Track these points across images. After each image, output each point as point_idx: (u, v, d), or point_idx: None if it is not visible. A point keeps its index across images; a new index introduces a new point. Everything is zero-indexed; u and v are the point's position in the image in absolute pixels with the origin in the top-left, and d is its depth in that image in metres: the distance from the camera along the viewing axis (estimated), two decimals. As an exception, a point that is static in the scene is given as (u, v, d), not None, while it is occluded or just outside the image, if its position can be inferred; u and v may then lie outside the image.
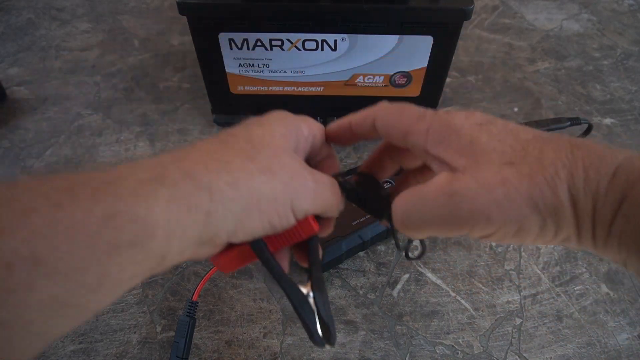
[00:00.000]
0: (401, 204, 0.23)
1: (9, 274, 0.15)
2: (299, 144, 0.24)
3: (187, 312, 0.35)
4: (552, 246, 0.39)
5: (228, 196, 0.20)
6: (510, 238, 0.21)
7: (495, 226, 0.20)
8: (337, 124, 0.27)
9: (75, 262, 0.16)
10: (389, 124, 0.24)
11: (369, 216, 0.39)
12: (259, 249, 0.23)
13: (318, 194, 0.23)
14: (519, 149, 0.20)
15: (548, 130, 0.43)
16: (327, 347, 0.24)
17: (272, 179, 0.21)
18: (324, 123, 0.38)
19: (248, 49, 0.42)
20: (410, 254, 0.28)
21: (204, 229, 0.20)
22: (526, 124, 0.43)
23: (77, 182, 0.17)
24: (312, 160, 0.27)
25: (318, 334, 0.23)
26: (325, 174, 0.25)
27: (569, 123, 0.43)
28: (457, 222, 0.21)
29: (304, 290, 0.24)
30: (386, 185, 0.40)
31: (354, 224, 0.39)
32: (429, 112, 0.23)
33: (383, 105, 0.25)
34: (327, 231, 0.27)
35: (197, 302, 0.36)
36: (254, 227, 0.21)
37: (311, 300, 0.24)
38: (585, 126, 0.45)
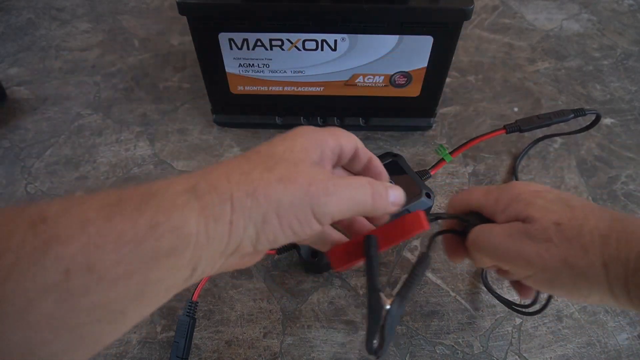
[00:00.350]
0: (478, 229, 0.28)
1: (66, 278, 0.16)
2: (324, 155, 0.25)
3: (187, 312, 0.35)
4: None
5: (247, 205, 0.21)
6: (547, 287, 0.26)
7: (532, 270, 0.25)
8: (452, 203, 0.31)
9: (122, 270, 0.18)
10: (471, 205, 0.30)
11: None
12: (368, 244, 0.26)
13: (343, 198, 0.23)
14: (567, 213, 0.25)
15: (551, 123, 0.43)
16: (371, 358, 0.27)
17: (290, 186, 0.22)
18: (324, 123, 0.38)
19: (248, 49, 0.42)
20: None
21: (229, 239, 0.21)
22: (528, 119, 0.43)
23: (123, 197, 0.19)
24: (353, 169, 0.28)
25: (372, 343, 0.25)
26: (364, 177, 0.26)
27: (573, 115, 0.42)
28: (507, 256, 0.26)
29: (385, 301, 0.26)
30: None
31: None
32: (492, 187, 0.29)
33: (464, 194, 0.30)
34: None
35: (197, 302, 0.36)
36: (275, 234, 0.22)
37: (384, 312, 0.25)
38: (591, 117, 0.44)
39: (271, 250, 0.39)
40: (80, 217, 0.17)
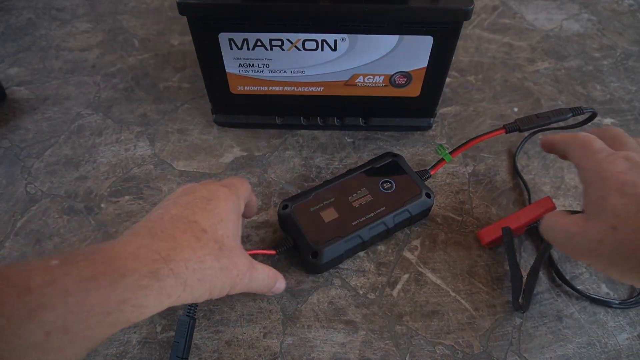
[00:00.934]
0: (548, 217, 0.33)
1: (46, 339, 0.20)
2: (241, 226, 0.34)
3: (187, 312, 0.35)
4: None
5: (195, 287, 0.27)
6: (603, 270, 0.29)
7: (586, 262, 0.30)
8: (548, 139, 0.36)
9: (90, 333, 0.22)
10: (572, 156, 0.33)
11: (368, 216, 0.39)
12: (505, 233, 0.40)
13: (250, 289, 0.33)
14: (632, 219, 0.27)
15: (550, 122, 0.42)
16: (517, 314, 0.37)
17: (227, 275, 0.30)
18: (324, 123, 0.40)
19: (248, 49, 0.42)
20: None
21: (167, 305, 0.26)
22: (527, 118, 0.43)
23: (98, 272, 0.23)
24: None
25: (518, 301, 0.37)
26: (266, 267, 0.34)
27: (571, 114, 0.42)
28: (561, 245, 0.31)
29: (523, 272, 0.38)
30: (387, 185, 0.41)
31: (353, 224, 0.39)
32: (603, 153, 0.31)
33: (575, 139, 0.33)
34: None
35: (197, 303, 0.36)
36: (197, 302, 0.29)
37: (524, 280, 0.38)
38: (587, 115, 0.43)
39: (272, 250, 0.39)
40: (61, 288, 0.21)
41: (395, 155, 0.44)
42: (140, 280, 0.24)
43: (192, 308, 0.35)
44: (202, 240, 0.29)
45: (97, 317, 0.22)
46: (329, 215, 0.40)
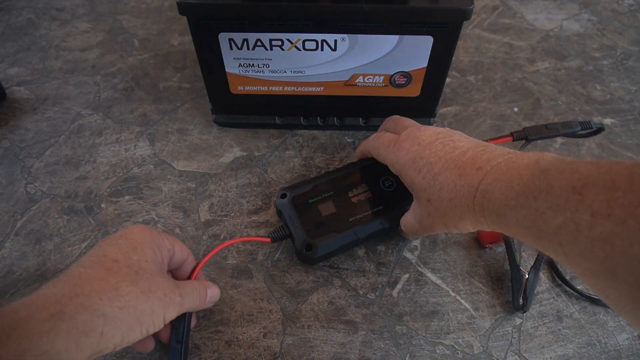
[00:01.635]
0: (402, 221, 0.38)
1: None
2: (164, 258, 0.31)
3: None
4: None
5: (119, 318, 0.26)
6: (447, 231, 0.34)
7: (438, 232, 0.35)
8: (357, 152, 0.43)
9: None
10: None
11: (366, 214, 0.39)
12: (508, 241, 0.39)
13: (184, 305, 0.31)
14: (435, 187, 0.32)
15: (558, 135, 0.42)
16: (518, 314, 0.38)
17: (151, 298, 0.28)
18: (324, 123, 0.40)
19: (248, 49, 0.42)
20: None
21: (97, 346, 0.25)
22: (536, 127, 0.42)
23: None
24: (176, 264, 0.34)
25: (519, 301, 0.37)
26: (191, 280, 0.33)
27: (580, 128, 0.42)
28: (418, 233, 0.38)
29: (524, 272, 0.38)
30: (388, 183, 0.41)
31: (350, 220, 0.39)
32: (391, 145, 0.37)
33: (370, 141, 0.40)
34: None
35: None
36: (135, 337, 0.27)
37: (524, 280, 0.37)
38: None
39: (267, 238, 0.39)
40: None
41: None
42: (40, 326, 0.23)
43: None
44: (113, 270, 0.27)
45: None
46: (327, 209, 0.40)
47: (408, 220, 0.37)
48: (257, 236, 0.41)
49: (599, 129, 0.43)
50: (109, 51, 0.61)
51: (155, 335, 0.34)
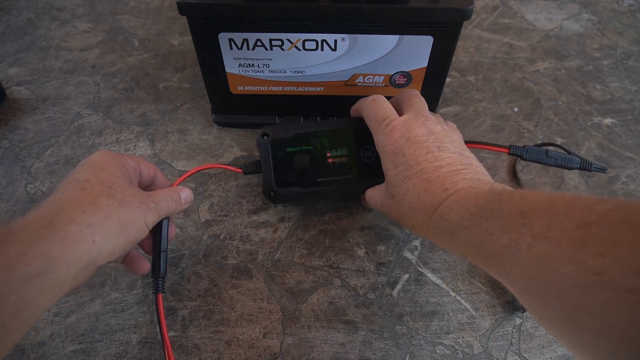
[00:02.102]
0: (369, 191, 0.39)
1: None
2: (131, 174, 0.33)
3: None
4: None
5: (105, 226, 0.27)
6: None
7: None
8: (352, 108, 0.42)
9: (0, 291, 0.22)
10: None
11: (335, 178, 0.40)
12: None
13: (161, 210, 0.33)
14: (402, 189, 0.33)
15: (554, 165, 0.41)
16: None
17: (129, 207, 0.29)
18: (329, 119, 0.40)
19: (248, 49, 0.42)
20: None
21: (92, 254, 0.27)
22: (536, 150, 0.41)
23: None
24: (146, 181, 0.36)
25: (519, 301, 0.29)
26: (162, 189, 0.34)
27: (578, 166, 0.41)
28: (380, 211, 0.38)
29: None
30: (369, 154, 0.41)
31: (319, 180, 0.40)
32: (384, 124, 0.36)
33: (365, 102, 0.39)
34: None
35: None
36: (126, 244, 0.29)
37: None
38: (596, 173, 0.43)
39: (239, 168, 0.41)
40: None
41: None
42: (35, 234, 0.24)
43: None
44: (87, 189, 0.29)
45: (1, 273, 0.22)
46: (301, 162, 0.40)
47: (373, 195, 0.38)
48: (232, 166, 0.42)
49: (602, 169, 0.42)
50: (109, 51, 0.61)
51: (140, 248, 0.36)
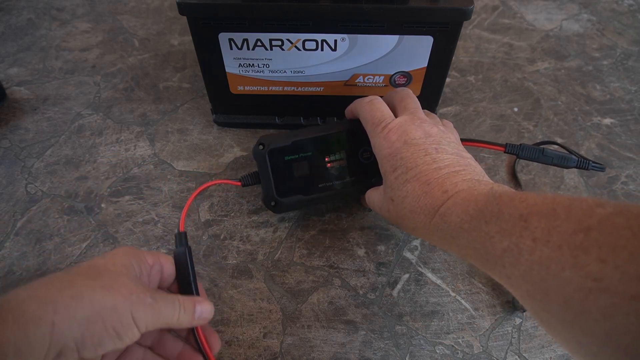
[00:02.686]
0: (369, 192, 0.38)
1: None
2: (143, 273, 0.28)
3: (180, 243, 0.33)
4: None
5: (71, 306, 0.22)
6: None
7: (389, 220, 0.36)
8: (347, 109, 0.41)
9: None
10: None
11: (336, 183, 0.40)
12: None
13: (157, 309, 0.26)
14: (401, 192, 0.33)
15: (551, 164, 0.41)
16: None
17: (113, 292, 0.24)
18: (324, 123, 0.39)
19: (248, 49, 0.42)
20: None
21: (51, 340, 0.21)
22: (532, 149, 0.40)
23: None
24: (168, 280, 0.31)
25: (519, 301, 0.28)
26: (175, 294, 0.29)
27: (575, 165, 0.41)
28: (378, 213, 0.37)
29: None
30: (367, 155, 0.40)
31: (320, 186, 0.40)
32: (381, 126, 0.35)
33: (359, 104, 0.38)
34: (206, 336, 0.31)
35: (186, 232, 0.34)
36: (100, 336, 0.23)
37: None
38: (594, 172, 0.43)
39: (237, 181, 0.41)
40: None
41: None
42: None
43: (183, 237, 0.33)
44: (71, 270, 0.25)
45: None
46: (301, 169, 0.40)
47: (373, 196, 0.37)
48: (231, 180, 0.42)
49: (600, 168, 0.41)
50: (109, 51, 0.61)
51: None
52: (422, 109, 0.36)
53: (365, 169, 0.40)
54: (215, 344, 0.31)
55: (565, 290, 0.20)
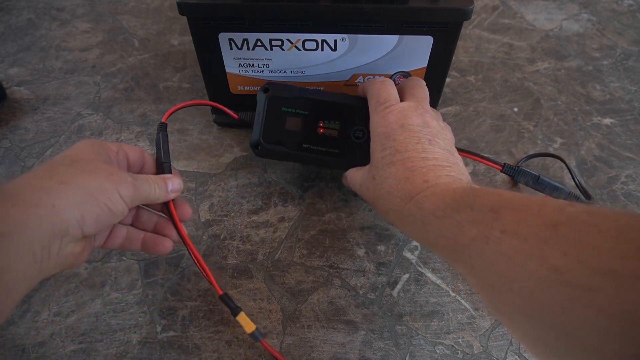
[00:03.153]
0: (350, 172, 0.39)
1: None
2: (110, 158, 0.31)
3: (160, 129, 0.38)
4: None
5: (63, 190, 0.25)
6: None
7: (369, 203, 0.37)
8: (359, 87, 0.41)
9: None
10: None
11: (320, 149, 0.41)
12: None
13: (137, 186, 0.30)
14: (384, 173, 0.33)
15: (543, 191, 0.43)
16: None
17: (95, 175, 0.27)
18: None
19: (248, 49, 0.42)
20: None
21: (54, 220, 0.24)
22: (529, 175, 0.43)
23: None
24: (135, 166, 0.35)
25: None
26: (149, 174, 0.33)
27: (565, 197, 0.43)
28: (358, 192, 0.38)
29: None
30: (359, 134, 0.41)
31: (304, 146, 0.41)
32: (384, 105, 0.35)
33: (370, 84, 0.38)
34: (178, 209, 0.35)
35: (167, 123, 0.39)
36: (97, 211, 0.27)
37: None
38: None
39: (235, 114, 0.43)
40: None
41: None
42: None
43: (162, 127, 0.38)
44: (47, 164, 0.27)
45: None
46: (293, 124, 0.41)
47: (355, 175, 0.38)
48: (229, 110, 0.43)
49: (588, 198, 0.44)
50: (109, 51, 0.61)
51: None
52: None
53: (353, 147, 0.40)
54: (186, 213, 0.36)
55: (527, 282, 0.20)
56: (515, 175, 0.42)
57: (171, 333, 0.36)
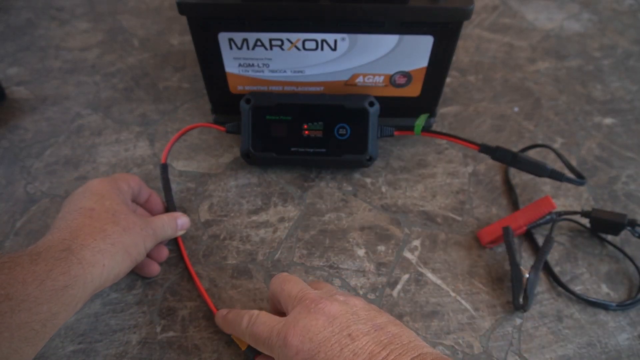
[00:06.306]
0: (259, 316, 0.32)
1: None
2: (127, 198, 0.37)
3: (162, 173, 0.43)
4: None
5: (112, 252, 0.32)
6: None
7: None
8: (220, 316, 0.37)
9: (33, 299, 0.26)
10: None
11: (308, 150, 0.43)
12: (506, 233, 0.39)
13: (156, 236, 0.36)
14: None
15: (524, 170, 0.41)
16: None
17: (130, 232, 0.33)
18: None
19: (248, 48, 0.42)
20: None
21: (102, 277, 0.31)
22: (508, 153, 0.41)
23: (14, 258, 0.28)
24: (139, 201, 0.41)
25: (519, 301, 0.37)
26: (160, 216, 0.38)
27: (549, 175, 0.41)
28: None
29: (524, 271, 0.38)
30: (342, 131, 0.43)
31: (292, 150, 0.43)
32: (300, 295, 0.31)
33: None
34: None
35: (167, 164, 0.44)
36: (129, 265, 0.34)
37: (524, 280, 0.37)
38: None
39: (223, 127, 0.45)
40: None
41: (372, 104, 0.43)
42: (57, 255, 0.29)
43: (164, 168, 0.43)
44: (94, 216, 0.32)
45: (33, 286, 0.27)
46: (278, 130, 0.43)
47: (272, 326, 0.29)
48: (216, 125, 0.45)
49: (579, 180, 0.41)
50: (108, 51, 0.61)
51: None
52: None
53: (338, 144, 0.43)
54: (162, 254, 0.40)
55: None
56: (493, 154, 0.42)
57: (171, 333, 0.36)
